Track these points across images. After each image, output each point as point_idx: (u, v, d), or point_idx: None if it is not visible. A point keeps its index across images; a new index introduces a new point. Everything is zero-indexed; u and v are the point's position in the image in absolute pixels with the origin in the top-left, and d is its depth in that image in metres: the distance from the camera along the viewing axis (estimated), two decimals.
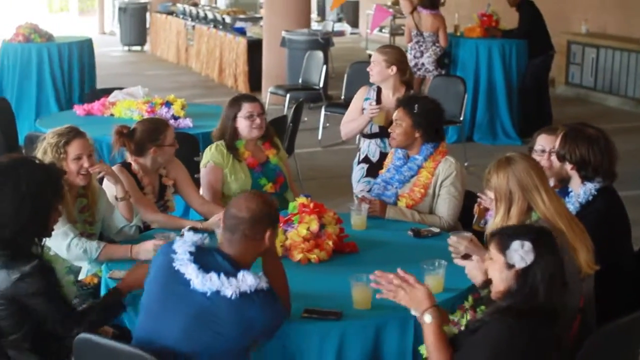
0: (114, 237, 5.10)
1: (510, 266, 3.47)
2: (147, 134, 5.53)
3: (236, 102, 5.95)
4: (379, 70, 6.56)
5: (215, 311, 3.58)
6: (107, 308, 4.09)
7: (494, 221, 4.14)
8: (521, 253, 3.44)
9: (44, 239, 4.04)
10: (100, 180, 5.22)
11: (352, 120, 6.68)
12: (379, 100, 6.60)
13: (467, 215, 5.32)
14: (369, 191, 6.02)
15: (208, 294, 3.57)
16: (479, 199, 4.87)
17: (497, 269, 3.53)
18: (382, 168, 6.42)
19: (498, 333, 3.38)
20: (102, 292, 4.57)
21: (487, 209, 4.77)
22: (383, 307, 3.99)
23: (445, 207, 5.42)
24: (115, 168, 5.40)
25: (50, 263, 4.00)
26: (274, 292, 3.72)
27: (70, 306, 3.97)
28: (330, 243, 4.67)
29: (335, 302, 4.05)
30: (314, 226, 4.65)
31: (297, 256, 4.60)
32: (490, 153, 10.87)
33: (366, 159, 6.64)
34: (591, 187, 4.57)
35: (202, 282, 3.59)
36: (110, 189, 5.19)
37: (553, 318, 3.43)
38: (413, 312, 3.69)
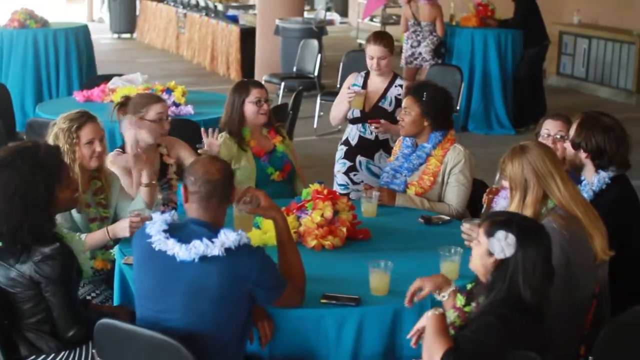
0: None
1: (490, 254, 3.47)
2: (132, 105, 5.58)
3: (244, 87, 5.94)
4: (387, 61, 6.58)
5: (206, 276, 3.60)
6: None
7: (509, 210, 4.15)
8: (503, 244, 3.42)
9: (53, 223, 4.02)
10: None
11: (339, 104, 6.72)
12: (365, 86, 6.63)
13: (474, 204, 5.35)
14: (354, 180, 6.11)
15: (195, 261, 3.59)
16: (487, 189, 4.90)
17: (479, 253, 3.54)
18: (360, 152, 6.56)
19: (484, 329, 3.37)
20: (116, 277, 4.58)
21: (494, 199, 4.80)
22: (400, 293, 4.00)
23: (454, 195, 5.43)
24: (112, 153, 5.44)
25: (68, 242, 4.00)
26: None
27: (77, 307, 3.96)
28: (344, 229, 4.69)
29: (351, 288, 4.07)
30: (328, 213, 4.67)
31: (311, 242, 4.62)
32: (484, 142, 10.96)
33: (346, 142, 6.69)
34: (605, 175, 4.59)
35: (186, 251, 3.60)
36: (121, 175, 5.20)
37: (536, 315, 3.41)
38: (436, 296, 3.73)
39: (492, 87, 12.00)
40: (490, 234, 3.46)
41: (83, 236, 4.63)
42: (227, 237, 3.61)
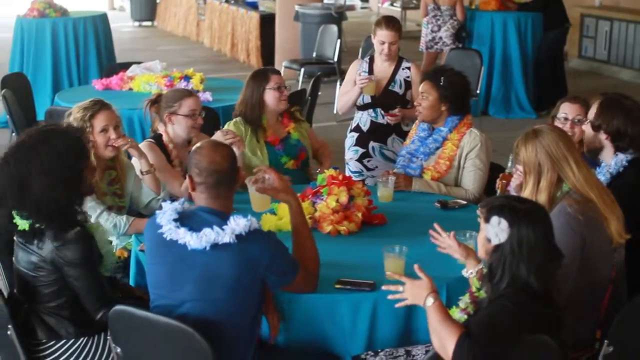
0: (143, 211, 5.14)
1: (488, 240, 3.46)
2: (165, 100, 5.57)
3: (263, 74, 5.92)
4: (397, 46, 6.58)
5: (219, 263, 3.61)
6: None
7: (524, 194, 4.12)
8: (496, 230, 3.41)
9: (83, 206, 4.06)
10: (129, 155, 5.25)
11: (346, 92, 6.69)
12: (371, 71, 6.61)
13: (491, 187, 5.33)
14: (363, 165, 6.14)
15: (207, 249, 3.59)
16: (501, 174, 4.88)
17: (481, 239, 3.54)
18: (372, 137, 6.54)
19: (496, 312, 3.36)
20: (132, 265, 4.60)
21: (508, 184, 4.78)
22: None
23: (471, 179, 5.42)
24: (144, 144, 5.42)
25: (91, 231, 4.02)
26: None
27: (103, 288, 3.97)
28: (359, 215, 4.69)
29: (366, 273, 4.07)
30: (343, 198, 4.67)
31: (327, 228, 4.62)
32: (505, 126, 10.91)
33: (357, 128, 6.67)
34: (623, 158, 4.57)
35: (197, 239, 3.60)
36: (137, 163, 5.21)
37: (546, 299, 3.39)
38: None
39: (513, 71, 11.95)
40: (486, 220, 3.46)
41: (124, 219, 4.73)
42: (237, 224, 3.61)
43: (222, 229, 3.60)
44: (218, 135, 5.31)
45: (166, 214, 3.74)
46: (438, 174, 5.45)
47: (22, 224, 3.91)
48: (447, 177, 5.46)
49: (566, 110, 5.06)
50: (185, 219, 3.71)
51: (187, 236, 3.62)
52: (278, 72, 6.01)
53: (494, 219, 3.42)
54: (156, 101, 5.64)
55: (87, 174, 4.05)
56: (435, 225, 4.11)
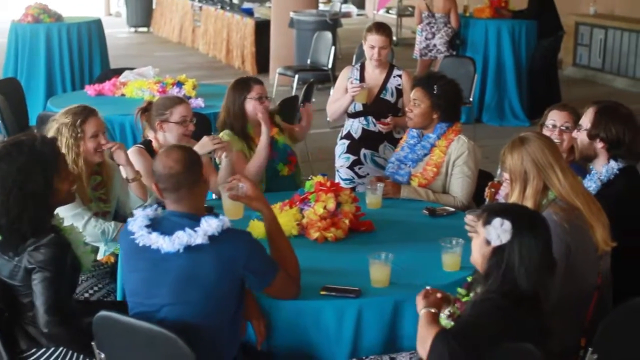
0: (130, 217, 5.11)
1: (488, 242, 3.45)
2: (156, 107, 5.53)
3: (244, 84, 5.87)
4: (388, 51, 6.58)
5: (194, 265, 3.61)
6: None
7: (510, 202, 4.13)
8: (499, 231, 3.41)
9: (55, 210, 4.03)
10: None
11: (336, 100, 6.66)
12: (362, 79, 6.60)
13: (479, 195, 5.33)
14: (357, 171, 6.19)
15: (181, 251, 3.59)
16: (490, 182, 4.88)
17: (478, 244, 3.53)
18: (364, 145, 6.53)
19: (478, 313, 3.36)
20: (119, 270, 4.59)
21: (497, 192, 4.77)
22: (401, 285, 4.03)
23: (459, 186, 5.42)
24: (132, 149, 5.42)
25: (66, 234, 4.00)
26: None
27: (61, 303, 3.84)
28: (347, 221, 4.68)
29: (352, 280, 4.06)
30: (331, 205, 4.66)
31: (314, 234, 4.61)
32: (498, 134, 10.91)
33: (348, 135, 6.64)
34: (614, 165, 4.56)
35: (170, 243, 3.60)
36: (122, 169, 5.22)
37: (532, 306, 3.39)
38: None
39: (507, 78, 11.96)
40: (487, 222, 3.46)
41: (112, 225, 4.71)
42: (210, 225, 3.61)
43: (195, 231, 3.60)
44: (205, 141, 5.31)
45: (137, 220, 3.74)
46: (425, 181, 5.45)
47: None
48: (435, 184, 5.46)
49: (554, 118, 5.07)
50: (157, 224, 3.71)
51: (160, 240, 3.62)
52: (261, 83, 5.94)
53: (497, 221, 3.43)
54: (147, 109, 5.59)
55: (61, 184, 4.00)
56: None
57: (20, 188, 3.84)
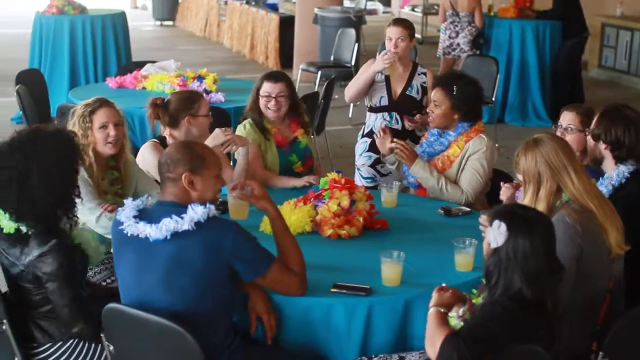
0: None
1: (489, 243, 3.46)
2: (181, 103, 5.48)
3: (261, 79, 5.91)
4: (407, 44, 6.57)
5: (181, 251, 3.64)
6: None
7: (523, 203, 4.10)
8: (495, 233, 3.40)
9: (73, 211, 4.05)
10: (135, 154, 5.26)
11: (357, 82, 6.65)
12: (385, 76, 6.59)
13: (495, 195, 5.29)
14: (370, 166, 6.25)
15: (168, 238, 3.62)
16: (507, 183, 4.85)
17: (485, 244, 3.54)
18: None
19: (486, 316, 3.35)
20: None
21: (514, 195, 4.74)
22: (412, 284, 4.01)
23: (467, 180, 5.40)
24: (147, 145, 5.42)
25: (73, 241, 4.01)
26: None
27: (80, 304, 3.90)
28: (361, 219, 4.66)
29: (364, 278, 4.05)
30: (345, 202, 4.65)
31: (327, 231, 4.60)
32: (521, 134, 10.82)
33: (370, 133, 6.61)
34: (624, 169, 4.52)
35: (157, 230, 3.64)
36: (147, 164, 5.22)
37: (539, 309, 3.36)
38: None
39: (530, 79, 11.91)
40: (490, 224, 3.45)
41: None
42: (196, 211, 3.65)
43: (181, 217, 3.63)
44: (217, 133, 5.31)
45: (126, 210, 3.78)
46: (438, 169, 5.44)
47: (8, 226, 3.90)
48: (448, 175, 5.44)
49: (563, 118, 5.04)
50: (145, 214, 3.76)
51: (147, 228, 3.66)
52: (276, 81, 5.87)
53: (495, 223, 3.43)
54: (158, 105, 5.52)
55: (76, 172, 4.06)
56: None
57: (54, 171, 3.92)
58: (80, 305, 3.89)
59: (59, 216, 3.94)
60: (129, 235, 3.70)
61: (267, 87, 5.82)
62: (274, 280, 3.81)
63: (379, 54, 6.77)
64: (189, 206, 3.67)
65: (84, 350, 3.99)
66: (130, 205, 3.79)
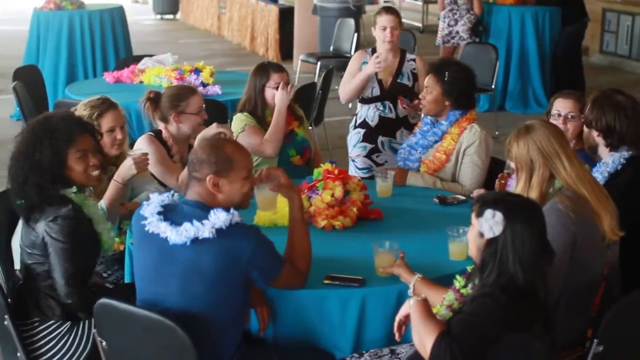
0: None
1: (481, 235, 3.36)
2: (169, 100, 5.46)
3: (264, 71, 5.88)
4: (399, 32, 6.57)
5: (200, 258, 3.57)
6: None
7: (516, 191, 4.06)
8: (491, 223, 3.32)
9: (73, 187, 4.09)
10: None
11: (348, 81, 6.60)
12: None
13: (491, 185, 5.27)
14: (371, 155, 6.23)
15: (188, 244, 3.57)
16: (499, 174, 4.82)
17: (472, 236, 3.44)
18: (381, 132, 6.49)
19: (476, 311, 3.30)
20: (126, 257, 4.59)
21: (507, 184, 4.72)
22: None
23: (468, 175, 5.38)
24: (143, 137, 5.40)
25: (82, 206, 4.05)
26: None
27: (79, 274, 3.95)
28: (355, 209, 4.64)
29: (358, 269, 4.03)
30: (339, 192, 4.63)
31: (321, 223, 4.58)
32: (521, 122, 10.73)
33: (364, 124, 6.58)
34: (619, 156, 4.50)
35: (177, 234, 3.58)
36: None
37: (531, 297, 3.30)
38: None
39: (530, 66, 11.88)
40: (479, 214, 3.37)
41: (102, 204, 4.65)
42: (218, 218, 3.57)
43: (202, 224, 3.56)
44: (213, 127, 5.28)
45: (151, 205, 3.73)
46: (434, 167, 5.43)
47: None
48: (444, 172, 5.43)
49: (559, 106, 5.03)
50: (169, 212, 3.69)
51: (168, 231, 3.60)
52: (280, 70, 5.92)
53: (488, 212, 3.34)
54: (152, 99, 5.51)
55: (76, 163, 4.04)
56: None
57: (27, 156, 3.96)
58: (77, 282, 3.93)
59: (55, 194, 3.99)
60: (150, 232, 3.65)
61: (277, 78, 5.84)
62: (282, 283, 3.79)
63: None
64: (212, 211, 3.59)
65: (78, 336, 4.01)
66: (156, 200, 3.74)
